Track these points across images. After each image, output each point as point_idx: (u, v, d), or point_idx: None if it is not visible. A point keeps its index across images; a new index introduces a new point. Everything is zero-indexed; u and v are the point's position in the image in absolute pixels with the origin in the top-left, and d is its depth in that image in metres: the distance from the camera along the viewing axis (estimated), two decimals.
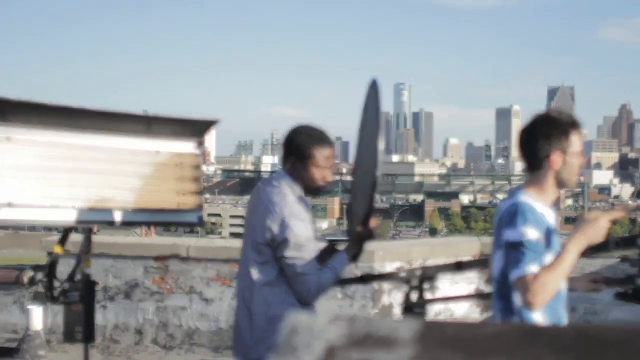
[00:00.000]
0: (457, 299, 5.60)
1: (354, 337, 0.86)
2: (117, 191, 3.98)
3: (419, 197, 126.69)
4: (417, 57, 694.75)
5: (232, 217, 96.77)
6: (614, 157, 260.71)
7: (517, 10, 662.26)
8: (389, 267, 6.34)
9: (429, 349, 0.84)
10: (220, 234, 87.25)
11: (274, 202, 3.35)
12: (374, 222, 3.49)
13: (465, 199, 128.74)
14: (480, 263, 4.76)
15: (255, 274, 3.37)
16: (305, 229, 3.35)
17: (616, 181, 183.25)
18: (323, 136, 3.49)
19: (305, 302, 3.37)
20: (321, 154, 3.43)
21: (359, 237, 3.52)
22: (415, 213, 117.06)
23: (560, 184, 2.87)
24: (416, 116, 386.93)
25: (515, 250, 2.71)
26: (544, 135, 2.81)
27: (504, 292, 2.87)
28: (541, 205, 2.84)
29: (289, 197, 3.37)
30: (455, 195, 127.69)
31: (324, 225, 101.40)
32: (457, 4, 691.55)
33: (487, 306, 6.26)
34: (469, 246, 7.10)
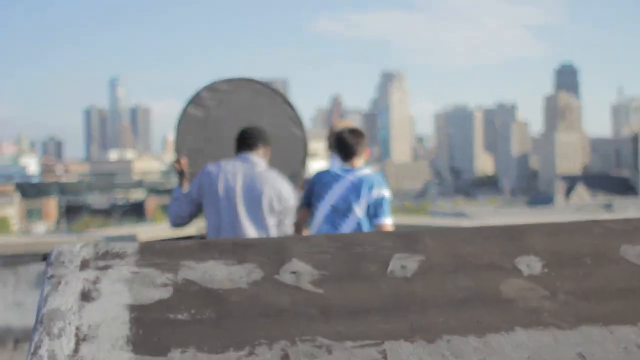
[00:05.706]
0: None
1: (98, 253, 1.40)
2: None
3: (140, 195, 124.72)
4: (132, 49, 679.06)
5: None
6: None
7: (234, 5, 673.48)
8: None
9: (145, 256, 1.41)
10: None
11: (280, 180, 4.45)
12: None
13: None
14: None
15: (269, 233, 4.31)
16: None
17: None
18: None
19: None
20: None
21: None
22: (135, 211, 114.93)
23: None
24: (133, 112, 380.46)
25: (387, 204, 4.50)
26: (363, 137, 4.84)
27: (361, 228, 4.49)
28: None
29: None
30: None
31: (41, 228, 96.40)
32: None
33: None
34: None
